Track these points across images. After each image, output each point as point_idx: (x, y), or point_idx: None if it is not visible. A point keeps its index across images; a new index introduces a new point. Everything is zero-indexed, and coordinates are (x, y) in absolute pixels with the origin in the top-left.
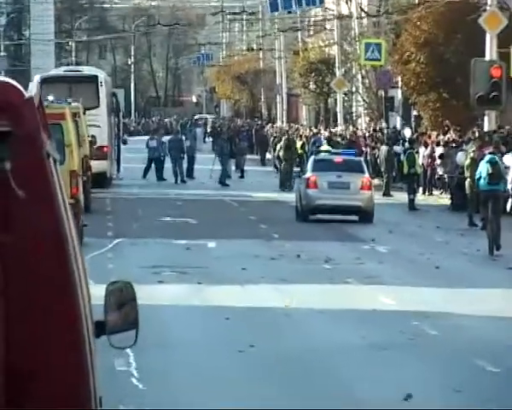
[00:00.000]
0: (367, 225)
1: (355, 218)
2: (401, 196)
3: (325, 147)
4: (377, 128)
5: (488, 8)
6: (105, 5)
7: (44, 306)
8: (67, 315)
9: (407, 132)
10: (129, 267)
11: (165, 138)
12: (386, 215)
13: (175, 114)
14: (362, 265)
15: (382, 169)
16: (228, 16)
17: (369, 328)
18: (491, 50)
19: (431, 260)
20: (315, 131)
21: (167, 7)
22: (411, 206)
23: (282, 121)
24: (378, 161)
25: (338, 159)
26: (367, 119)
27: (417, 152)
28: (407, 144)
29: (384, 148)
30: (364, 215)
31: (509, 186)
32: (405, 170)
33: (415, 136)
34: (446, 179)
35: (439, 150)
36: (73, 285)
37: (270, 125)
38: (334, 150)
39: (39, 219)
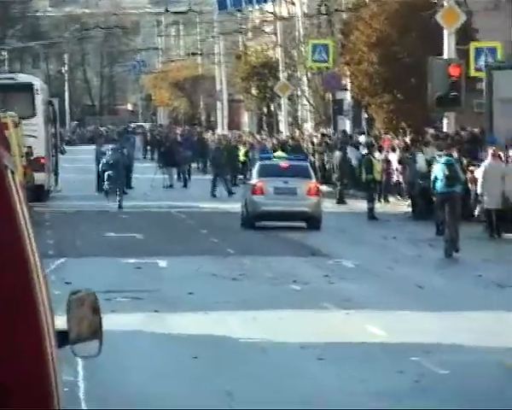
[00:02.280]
0: (327, 237)
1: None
2: (356, 204)
3: (279, 153)
4: (325, 132)
5: (445, 3)
6: (37, 14)
7: (5, 319)
8: (29, 327)
9: (362, 139)
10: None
11: (105, 147)
12: (345, 225)
13: (110, 123)
14: (333, 284)
15: (336, 176)
16: (163, 21)
17: (363, 368)
18: (448, 48)
19: (409, 278)
20: (258, 138)
21: (101, 14)
22: (370, 215)
23: (223, 128)
24: (327, 166)
25: (284, 164)
26: (313, 123)
27: (375, 157)
28: (361, 149)
29: (337, 153)
30: (312, 221)
31: (478, 191)
32: (363, 177)
33: (369, 140)
34: (403, 186)
35: (394, 155)
36: (34, 297)
37: (210, 132)
38: (286, 156)
39: None
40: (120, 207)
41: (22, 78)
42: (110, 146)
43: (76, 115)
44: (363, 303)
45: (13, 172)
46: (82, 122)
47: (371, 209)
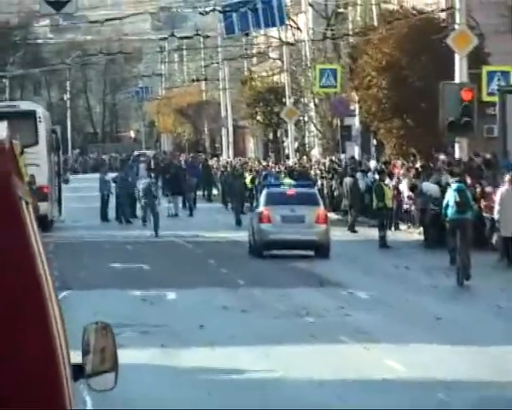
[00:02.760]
0: (339, 266)
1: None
2: (367, 232)
3: (287, 180)
4: (334, 158)
5: (457, 26)
6: (39, 40)
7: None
8: (44, 354)
9: (372, 164)
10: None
11: (109, 176)
12: (357, 254)
13: (113, 151)
14: (348, 316)
15: (346, 202)
16: (167, 47)
17: (386, 405)
18: (460, 72)
19: (425, 309)
20: (264, 164)
21: (103, 40)
22: (382, 243)
23: (228, 154)
24: (335, 193)
25: (291, 191)
26: (320, 149)
27: (386, 184)
28: (371, 175)
29: (348, 179)
30: (320, 250)
31: (495, 217)
32: (374, 204)
33: (379, 166)
34: (414, 213)
35: (404, 182)
36: (50, 325)
37: (215, 159)
38: (294, 183)
39: (15, 262)
40: (156, 234)
41: (25, 105)
42: (115, 173)
43: (78, 143)
44: (380, 336)
45: (27, 203)
46: (84, 150)
47: (383, 237)
